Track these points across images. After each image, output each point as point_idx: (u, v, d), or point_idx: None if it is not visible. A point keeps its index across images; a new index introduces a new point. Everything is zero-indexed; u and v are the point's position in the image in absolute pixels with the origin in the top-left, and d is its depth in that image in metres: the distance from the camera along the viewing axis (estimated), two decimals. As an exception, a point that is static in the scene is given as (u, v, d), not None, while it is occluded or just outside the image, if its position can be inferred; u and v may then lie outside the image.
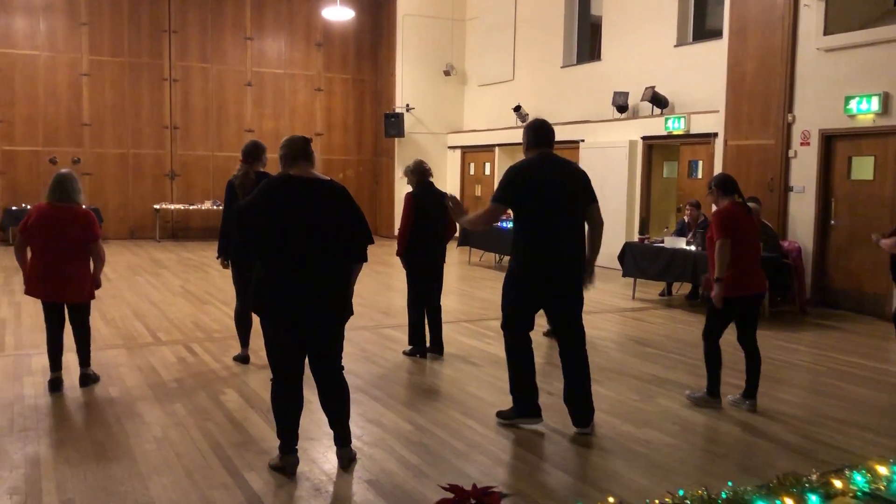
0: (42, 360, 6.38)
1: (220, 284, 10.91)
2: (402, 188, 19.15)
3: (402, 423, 5.16)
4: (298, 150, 4.15)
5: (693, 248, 9.50)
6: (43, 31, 16.23)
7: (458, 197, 8.54)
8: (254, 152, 6.51)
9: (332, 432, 4.41)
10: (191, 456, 4.51)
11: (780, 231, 10.24)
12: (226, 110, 17.83)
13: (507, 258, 14.01)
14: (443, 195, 7.17)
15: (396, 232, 7.21)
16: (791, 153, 10.30)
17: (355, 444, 4.72)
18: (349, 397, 4.39)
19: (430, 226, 6.83)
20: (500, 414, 5.23)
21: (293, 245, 4.00)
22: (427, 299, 6.99)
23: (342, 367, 4.34)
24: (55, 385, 5.70)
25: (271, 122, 18.16)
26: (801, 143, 10.17)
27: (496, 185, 5.11)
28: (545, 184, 4.89)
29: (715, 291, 5.49)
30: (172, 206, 17.10)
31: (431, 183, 7.01)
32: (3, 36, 15.93)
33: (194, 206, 17.11)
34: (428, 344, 7.06)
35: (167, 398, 5.61)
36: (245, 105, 17.99)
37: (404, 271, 6.99)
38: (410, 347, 7.06)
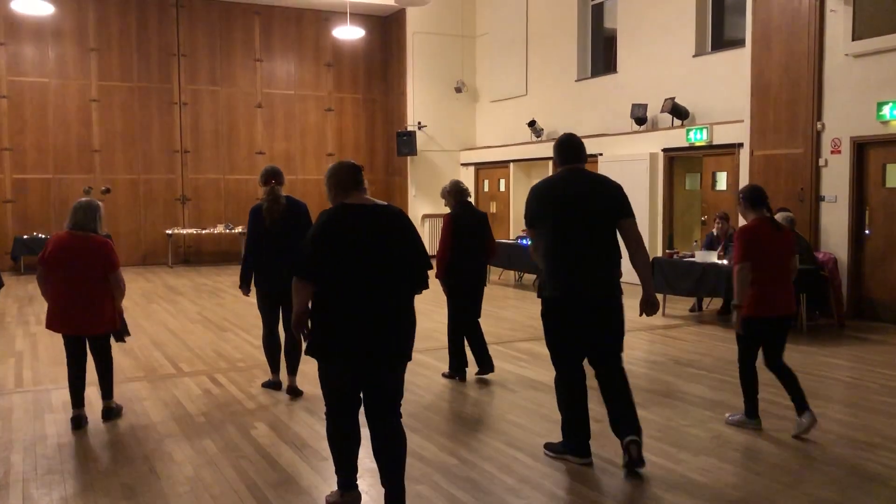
0: (62, 395, 6.15)
1: (238, 310, 10.66)
2: (417, 207, 19.13)
3: (447, 457, 4.88)
4: (350, 177, 3.90)
5: (725, 262, 9.22)
6: (52, 58, 16.12)
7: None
8: (279, 175, 6.24)
9: (372, 467, 4.12)
10: (227, 498, 4.24)
11: (813, 242, 9.96)
12: (236, 133, 17.67)
13: (526, 276, 13.83)
14: (483, 214, 6.95)
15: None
16: (821, 162, 10.04)
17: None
18: (406, 450, 3.88)
19: (471, 247, 6.62)
20: (548, 446, 4.94)
21: (357, 276, 3.73)
22: (468, 322, 6.83)
23: (401, 415, 3.90)
24: (78, 422, 5.45)
25: (282, 144, 17.99)
26: (832, 152, 9.91)
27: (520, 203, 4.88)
28: (565, 201, 4.57)
29: (734, 317, 5.27)
30: (185, 231, 16.89)
31: (470, 202, 6.81)
32: (12, 64, 15.82)
33: (206, 231, 16.90)
34: (476, 365, 6.88)
35: (196, 434, 5.35)
36: (256, 127, 17.82)
37: (438, 294, 6.77)
38: (450, 371, 6.89)
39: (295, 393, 6.26)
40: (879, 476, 4.55)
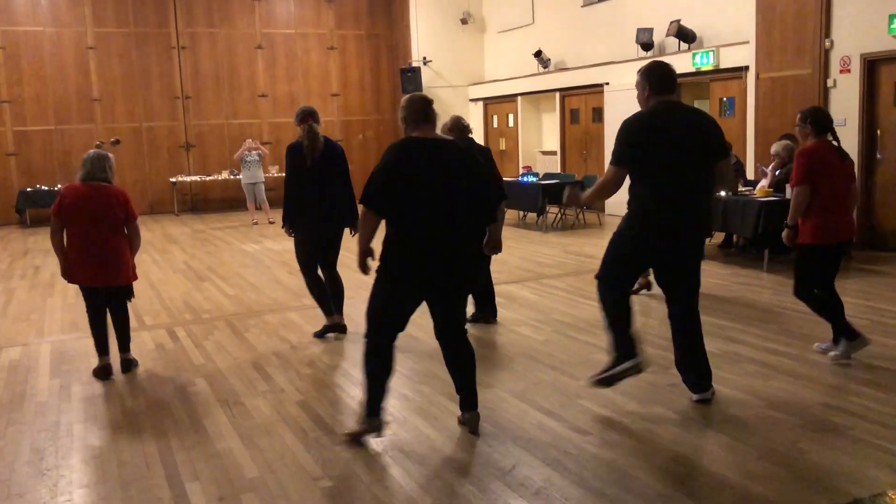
0: (10, 353, 6.01)
1: (224, 259, 10.48)
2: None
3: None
4: (419, 111, 4.02)
5: (724, 194, 8.68)
6: (45, 5, 15.81)
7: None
8: (315, 114, 6.09)
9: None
10: (134, 464, 4.03)
11: (821, 169, 9.35)
12: (237, 76, 17.29)
13: (530, 214, 13.35)
14: (486, 150, 6.56)
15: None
16: (830, 82, 9.36)
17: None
18: (474, 359, 4.22)
19: None
20: (601, 380, 4.57)
21: (426, 208, 3.87)
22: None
23: (466, 331, 4.21)
24: (105, 372, 5.43)
25: (285, 86, 17.58)
26: (841, 71, 9.21)
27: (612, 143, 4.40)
28: (668, 137, 4.23)
29: (784, 234, 5.25)
30: (189, 179, 16.72)
31: (472, 139, 6.43)
32: (4, 13, 15.54)
33: (212, 177, 16.71)
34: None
35: (131, 394, 5.15)
36: (257, 69, 17.41)
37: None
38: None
39: (342, 329, 6.32)
40: (839, 426, 4.17)
